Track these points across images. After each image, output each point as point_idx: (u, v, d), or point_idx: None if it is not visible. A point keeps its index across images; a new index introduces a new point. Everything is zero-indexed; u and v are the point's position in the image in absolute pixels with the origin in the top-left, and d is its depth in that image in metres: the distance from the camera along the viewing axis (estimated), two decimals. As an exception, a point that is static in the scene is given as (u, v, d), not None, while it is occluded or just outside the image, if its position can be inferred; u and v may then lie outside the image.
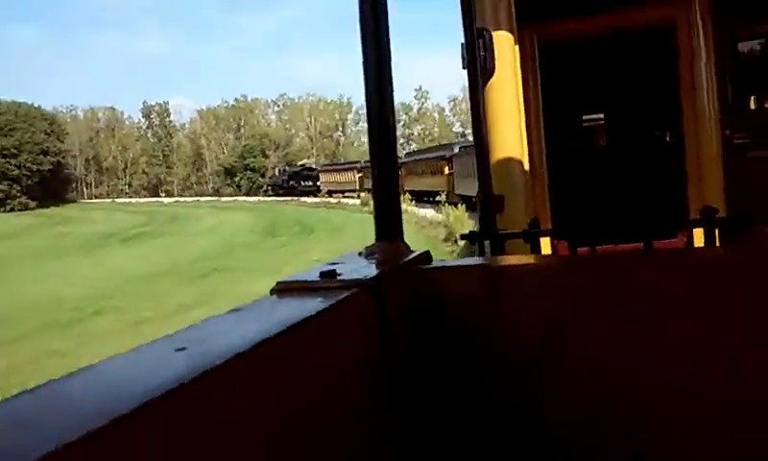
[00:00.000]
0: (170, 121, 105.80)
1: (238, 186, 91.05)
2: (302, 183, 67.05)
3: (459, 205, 30.51)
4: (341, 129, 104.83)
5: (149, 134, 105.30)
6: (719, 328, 1.24)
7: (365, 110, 1.49)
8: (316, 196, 62.73)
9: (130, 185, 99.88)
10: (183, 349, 0.77)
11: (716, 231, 3.34)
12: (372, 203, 1.49)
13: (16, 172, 76.23)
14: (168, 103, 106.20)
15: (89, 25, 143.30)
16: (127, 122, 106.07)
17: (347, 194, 57.39)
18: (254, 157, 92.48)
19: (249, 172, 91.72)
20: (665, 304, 1.26)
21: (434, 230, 30.25)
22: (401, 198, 1.65)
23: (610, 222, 5.77)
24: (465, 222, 26.92)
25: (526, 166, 4.05)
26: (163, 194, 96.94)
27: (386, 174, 1.47)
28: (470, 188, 25.96)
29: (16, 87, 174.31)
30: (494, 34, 3.85)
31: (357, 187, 55.17)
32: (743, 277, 1.27)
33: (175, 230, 42.94)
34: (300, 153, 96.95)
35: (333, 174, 65.28)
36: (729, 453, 1.25)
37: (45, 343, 15.67)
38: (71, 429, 0.53)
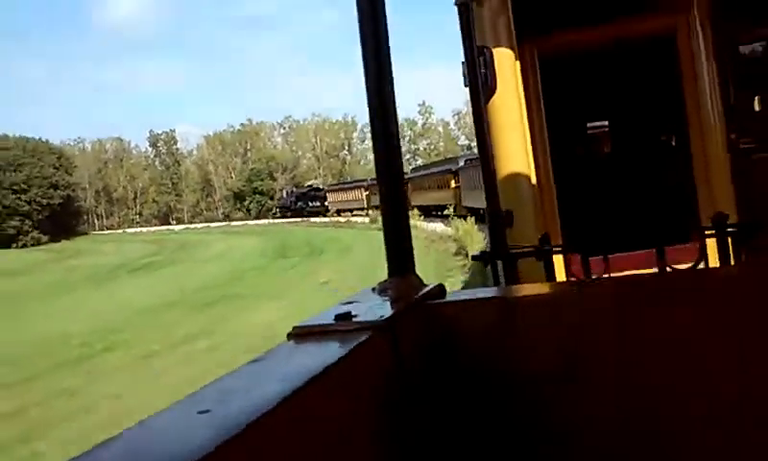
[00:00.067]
0: (177, 148, 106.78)
1: (248, 210, 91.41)
2: (310, 204, 67.11)
3: (467, 217, 30.36)
4: (347, 148, 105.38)
5: (156, 163, 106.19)
6: (732, 350, 1.24)
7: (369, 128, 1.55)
8: (324, 216, 62.77)
9: (140, 215, 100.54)
10: (207, 411, 0.79)
11: (729, 240, 3.31)
12: (380, 220, 1.52)
13: (27, 207, 76.77)
14: (174, 131, 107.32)
15: (91, 60, 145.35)
16: (134, 151, 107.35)
17: (355, 212, 57.40)
18: (262, 180, 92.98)
19: (257, 195, 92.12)
20: (679, 330, 1.26)
21: (444, 244, 30.15)
22: (409, 213, 1.67)
23: (619, 229, 5.75)
24: (474, 235, 26.80)
25: (533, 179, 4.07)
26: (174, 222, 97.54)
27: (394, 203, 1.50)
28: (478, 200, 25.87)
29: (20, 122, 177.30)
30: (495, 51, 3.87)
31: (365, 205, 55.29)
32: (756, 298, 1.27)
33: (184, 258, 43.10)
34: (307, 173, 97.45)
35: (340, 193, 65.48)
36: None
37: (56, 382, 15.80)
38: None
